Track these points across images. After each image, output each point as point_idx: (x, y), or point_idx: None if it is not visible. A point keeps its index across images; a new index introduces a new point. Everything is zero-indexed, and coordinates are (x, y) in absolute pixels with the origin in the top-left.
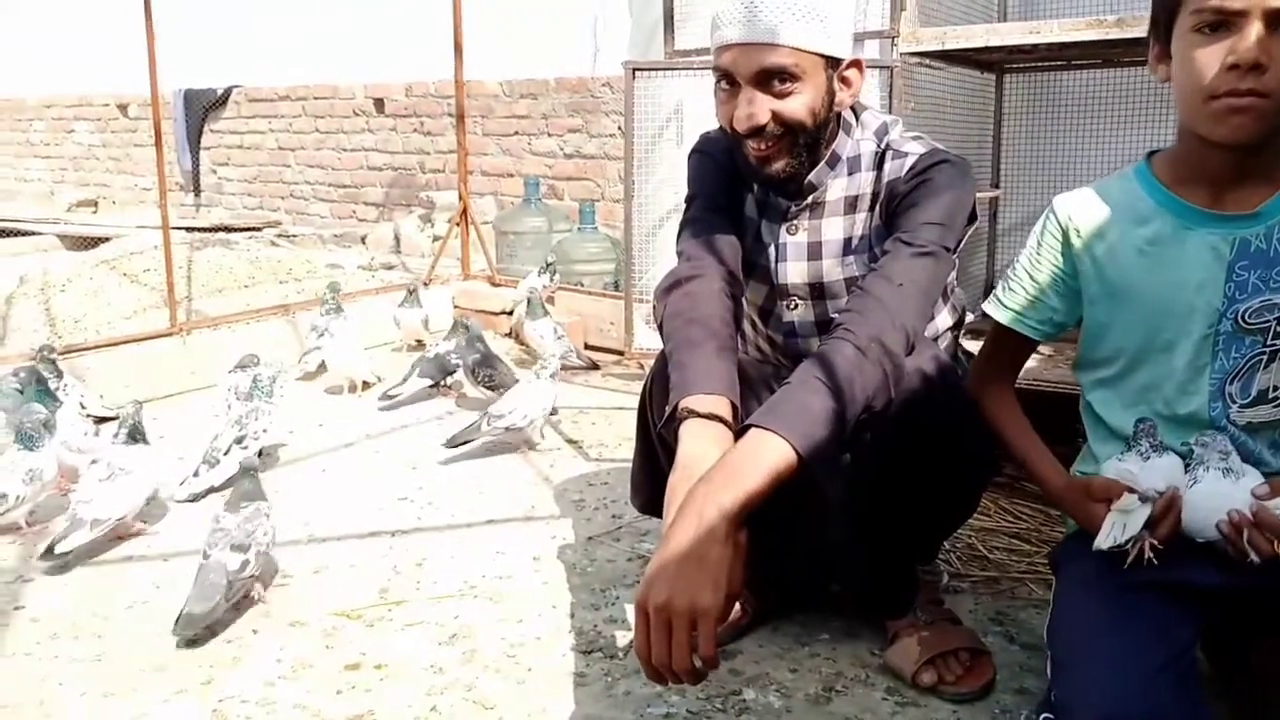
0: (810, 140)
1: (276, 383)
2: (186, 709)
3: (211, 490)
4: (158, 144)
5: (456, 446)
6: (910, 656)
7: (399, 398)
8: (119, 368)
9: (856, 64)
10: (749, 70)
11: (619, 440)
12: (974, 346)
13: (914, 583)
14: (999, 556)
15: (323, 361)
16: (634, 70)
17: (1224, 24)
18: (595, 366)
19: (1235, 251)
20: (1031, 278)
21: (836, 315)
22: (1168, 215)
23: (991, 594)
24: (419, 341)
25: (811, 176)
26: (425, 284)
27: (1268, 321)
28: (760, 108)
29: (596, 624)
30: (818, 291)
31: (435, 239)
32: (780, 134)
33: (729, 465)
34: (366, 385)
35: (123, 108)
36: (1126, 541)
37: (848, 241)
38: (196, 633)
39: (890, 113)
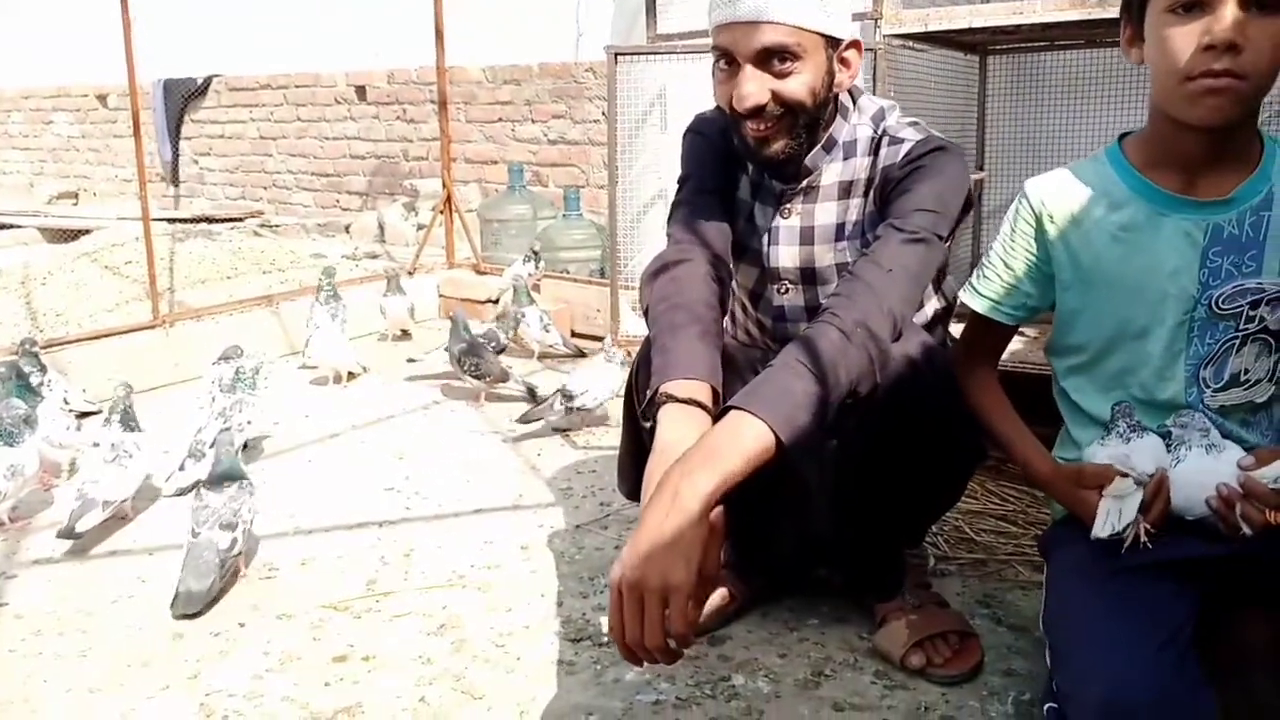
0: (809, 121)
1: (260, 374)
2: (174, 704)
3: (199, 484)
4: (136, 135)
5: (527, 423)
6: (899, 639)
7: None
8: (101, 361)
9: (855, 44)
10: (749, 49)
11: (606, 428)
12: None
13: (901, 566)
14: (986, 539)
15: None
16: (616, 55)
17: (1198, 4)
18: (582, 354)
19: (1209, 237)
20: (1006, 265)
21: (825, 300)
22: (1141, 201)
23: (979, 576)
24: (404, 331)
25: (807, 160)
26: (410, 273)
27: (1240, 306)
28: (760, 87)
29: (585, 612)
30: (809, 276)
31: (419, 227)
32: (780, 114)
33: (706, 446)
34: (352, 376)
35: (102, 98)
36: (1125, 527)
37: (840, 227)
38: (198, 609)
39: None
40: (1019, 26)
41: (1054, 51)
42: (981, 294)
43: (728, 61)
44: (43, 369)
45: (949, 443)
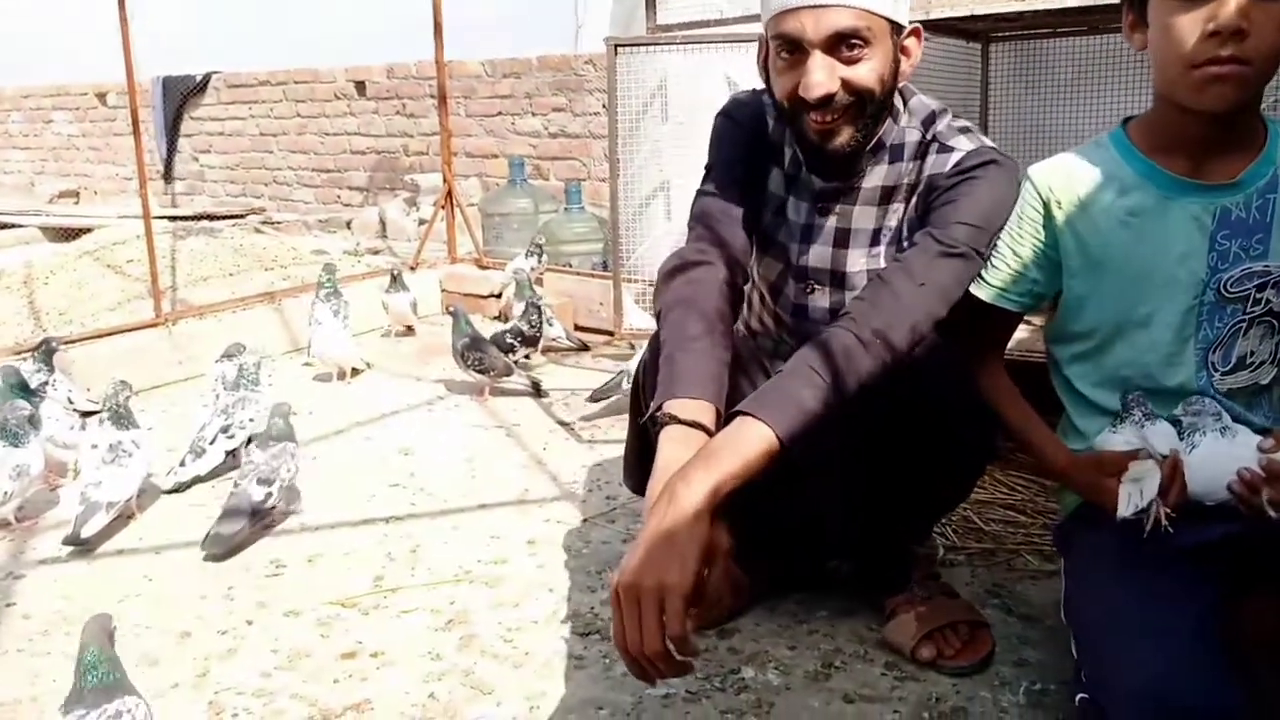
0: (876, 111)
1: (263, 371)
2: (182, 702)
3: (197, 480)
4: (135, 132)
5: (597, 401)
6: (908, 631)
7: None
8: (104, 360)
9: (916, 32)
10: (820, 34)
11: (612, 422)
12: None
13: (910, 559)
14: (995, 529)
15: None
16: (616, 46)
17: None
18: (585, 348)
19: (1217, 221)
20: (1014, 252)
21: (849, 303)
22: (1150, 186)
23: (988, 566)
24: (408, 327)
25: None
26: (412, 268)
27: (1247, 290)
28: (830, 75)
29: (593, 606)
30: (838, 279)
31: (421, 222)
32: (848, 104)
33: (707, 450)
34: (356, 372)
35: (101, 96)
36: (1148, 505)
37: (877, 232)
38: (224, 550)
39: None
40: (1021, 14)
41: (1056, 38)
42: (989, 283)
43: (790, 50)
44: (51, 368)
45: (959, 439)
